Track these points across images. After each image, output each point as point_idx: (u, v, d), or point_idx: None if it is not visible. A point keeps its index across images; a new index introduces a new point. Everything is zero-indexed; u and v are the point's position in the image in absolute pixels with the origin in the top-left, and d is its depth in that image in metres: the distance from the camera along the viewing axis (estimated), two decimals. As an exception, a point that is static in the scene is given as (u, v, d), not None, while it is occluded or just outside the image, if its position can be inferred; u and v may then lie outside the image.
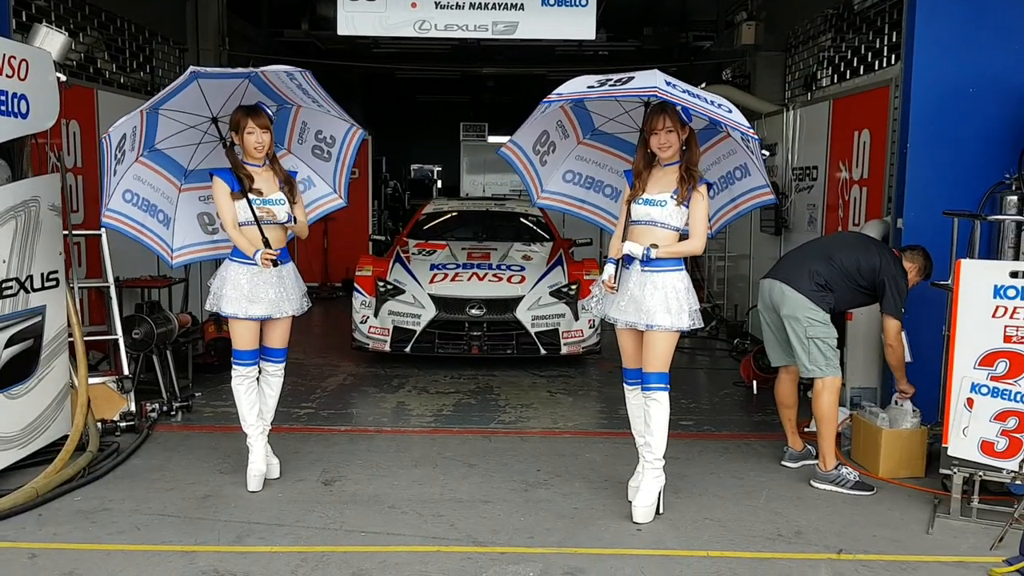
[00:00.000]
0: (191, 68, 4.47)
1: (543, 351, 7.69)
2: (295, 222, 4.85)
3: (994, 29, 5.60)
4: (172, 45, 9.58)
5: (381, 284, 7.85)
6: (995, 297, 4.47)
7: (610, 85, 4.02)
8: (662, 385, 4.40)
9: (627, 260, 4.39)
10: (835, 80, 8.50)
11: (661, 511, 4.49)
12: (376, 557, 4.00)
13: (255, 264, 4.73)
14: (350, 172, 5.25)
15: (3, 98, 4.71)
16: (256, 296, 4.75)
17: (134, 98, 8.19)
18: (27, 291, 4.94)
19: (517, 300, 7.70)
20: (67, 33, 5.42)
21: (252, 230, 4.69)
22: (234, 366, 4.85)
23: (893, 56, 7.23)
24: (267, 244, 4.68)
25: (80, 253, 6.69)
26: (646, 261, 4.30)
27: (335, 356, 8.32)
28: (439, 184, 22.24)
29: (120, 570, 3.84)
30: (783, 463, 5.33)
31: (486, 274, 7.93)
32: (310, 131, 5.16)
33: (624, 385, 4.65)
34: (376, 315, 7.74)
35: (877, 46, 7.59)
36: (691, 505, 4.66)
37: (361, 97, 18.72)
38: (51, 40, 5.30)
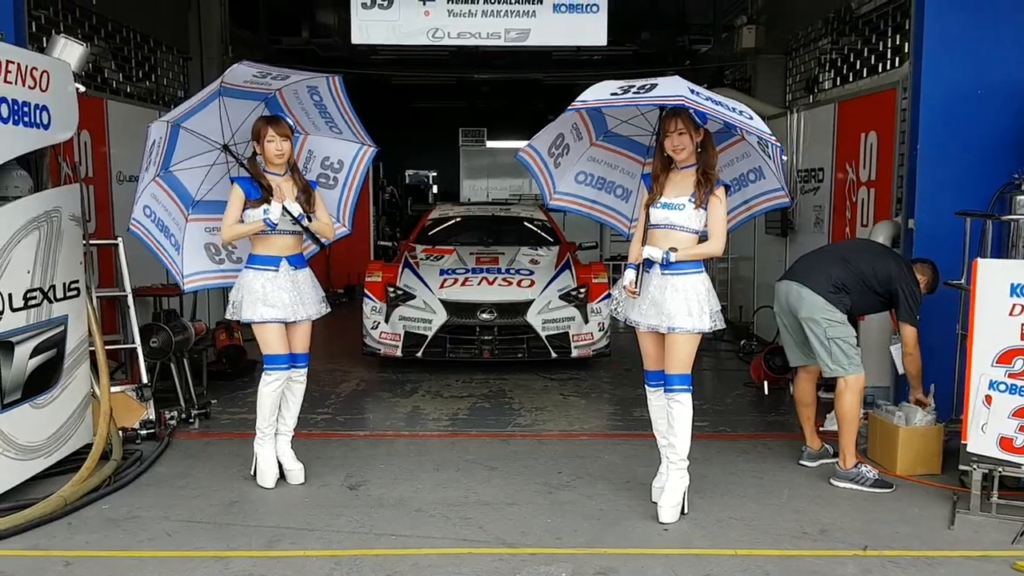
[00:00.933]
0: (155, 120, 4.52)
1: (554, 354, 7.74)
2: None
3: (1001, 31, 5.68)
4: (176, 54, 9.61)
5: (391, 290, 7.89)
6: (1012, 295, 4.52)
7: (634, 92, 4.06)
8: (685, 386, 4.45)
9: (648, 264, 4.44)
10: (838, 83, 8.58)
11: (686, 511, 4.53)
12: (408, 560, 4.04)
13: (269, 269, 4.80)
14: (358, 195, 5.32)
15: (26, 109, 4.73)
16: (270, 300, 4.80)
17: (142, 107, 8.24)
18: (50, 301, 4.96)
19: (528, 304, 7.75)
20: (85, 44, 5.44)
21: (282, 235, 4.79)
22: (266, 370, 4.87)
23: (897, 59, 7.32)
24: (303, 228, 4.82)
25: (93, 262, 6.71)
26: (666, 265, 4.35)
27: (345, 362, 8.35)
28: (435, 189, 22.30)
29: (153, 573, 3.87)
30: (801, 462, 5.39)
31: (496, 278, 7.98)
32: (316, 159, 5.24)
33: (646, 387, 4.70)
34: (387, 321, 7.77)
35: (880, 49, 7.68)
36: (715, 505, 4.71)
37: (357, 103, 18.74)
38: (70, 51, 5.32)
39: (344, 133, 5.16)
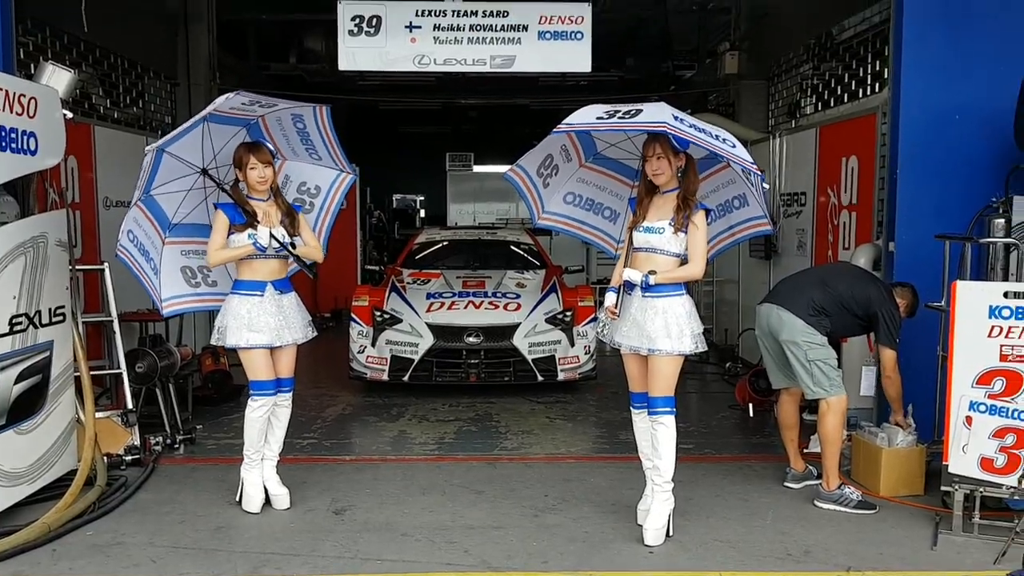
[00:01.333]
0: (147, 147, 4.58)
1: (540, 377, 7.77)
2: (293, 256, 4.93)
3: (977, 57, 5.78)
4: (164, 80, 9.66)
5: (378, 314, 7.91)
6: (990, 317, 4.60)
7: (619, 117, 4.12)
8: (668, 409, 4.48)
9: (629, 286, 4.48)
10: (819, 108, 8.70)
11: (671, 533, 4.55)
12: (394, 584, 4.05)
13: (254, 295, 4.82)
14: (334, 221, 5.37)
15: (14, 135, 4.75)
16: (256, 325, 4.82)
17: (129, 133, 8.27)
18: (36, 326, 4.96)
19: (514, 327, 7.78)
20: (73, 70, 5.47)
21: (266, 260, 4.83)
22: (252, 396, 4.88)
23: (877, 84, 7.44)
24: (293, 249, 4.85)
25: (80, 287, 6.70)
26: (646, 287, 4.40)
27: (332, 386, 8.35)
28: (422, 214, 22.38)
29: (141, 603, 3.86)
30: (786, 484, 5.41)
31: (482, 302, 8.01)
32: (292, 184, 5.28)
33: (631, 409, 4.73)
34: (374, 345, 7.79)
35: (861, 75, 7.80)
36: (700, 527, 4.73)
37: (344, 128, 18.86)
38: (57, 78, 5.35)
39: (323, 160, 5.22)
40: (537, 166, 4.85)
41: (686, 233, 4.42)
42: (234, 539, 4.58)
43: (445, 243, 9.99)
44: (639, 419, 4.67)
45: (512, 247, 9.76)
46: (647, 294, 4.41)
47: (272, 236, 4.74)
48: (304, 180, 5.29)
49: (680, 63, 13.64)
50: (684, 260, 4.48)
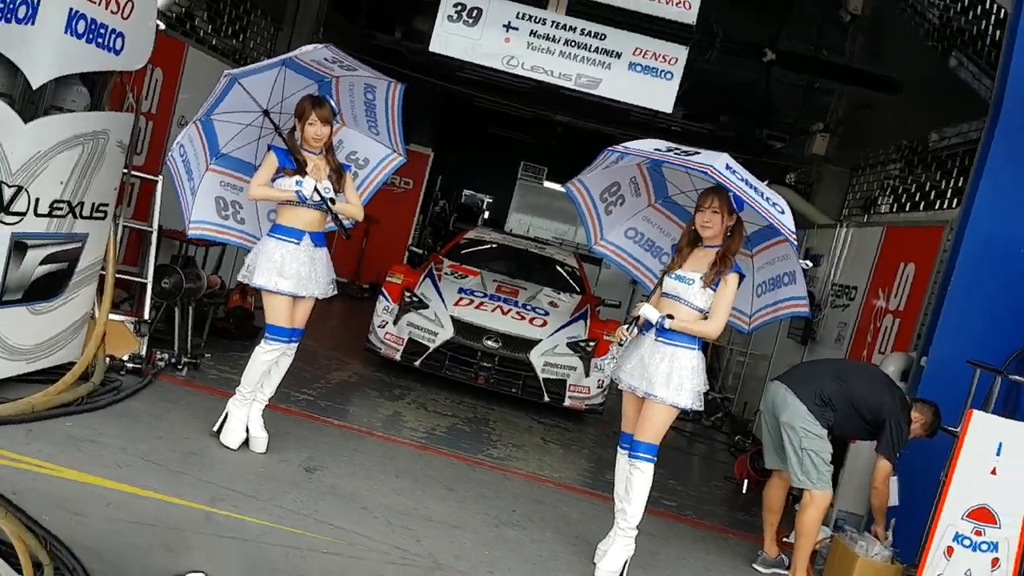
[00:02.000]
0: (225, 72, 4.67)
1: (547, 398, 7.74)
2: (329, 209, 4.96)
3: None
4: (269, 21, 9.85)
5: (407, 295, 7.96)
6: (997, 455, 4.48)
7: (675, 154, 4.13)
8: (649, 456, 4.45)
9: (647, 326, 4.46)
10: (893, 208, 8.55)
11: (623, 580, 4.50)
12: (335, 550, 4.05)
13: (291, 241, 4.89)
14: (372, 196, 5.42)
15: (102, 31, 4.90)
16: (286, 271, 4.88)
17: (221, 61, 8.43)
18: (75, 216, 5.10)
19: (533, 342, 7.76)
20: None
21: (308, 209, 4.89)
22: (267, 339, 4.95)
23: (956, 200, 7.28)
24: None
25: (132, 194, 6.86)
26: (660, 330, 4.37)
27: (346, 353, 8.42)
28: (486, 214, 22.45)
29: (96, 499, 3.92)
30: (754, 566, 5.31)
31: (510, 310, 8.03)
32: (343, 150, 5.35)
33: (618, 447, 4.70)
34: (395, 323, 7.84)
35: (942, 187, 7.65)
36: (653, 582, 4.68)
37: (432, 113, 19.05)
38: (160, -11, 5.51)
39: (380, 135, 5.28)
40: (601, 190, 4.85)
41: (715, 290, 4.38)
42: (203, 467, 4.65)
43: (493, 245, 10.02)
44: (622, 460, 4.64)
45: (556, 266, 9.76)
46: (659, 338, 4.39)
47: (316, 189, 4.81)
48: (355, 149, 5.36)
49: (773, 133, 13.50)
50: (707, 317, 4.44)
